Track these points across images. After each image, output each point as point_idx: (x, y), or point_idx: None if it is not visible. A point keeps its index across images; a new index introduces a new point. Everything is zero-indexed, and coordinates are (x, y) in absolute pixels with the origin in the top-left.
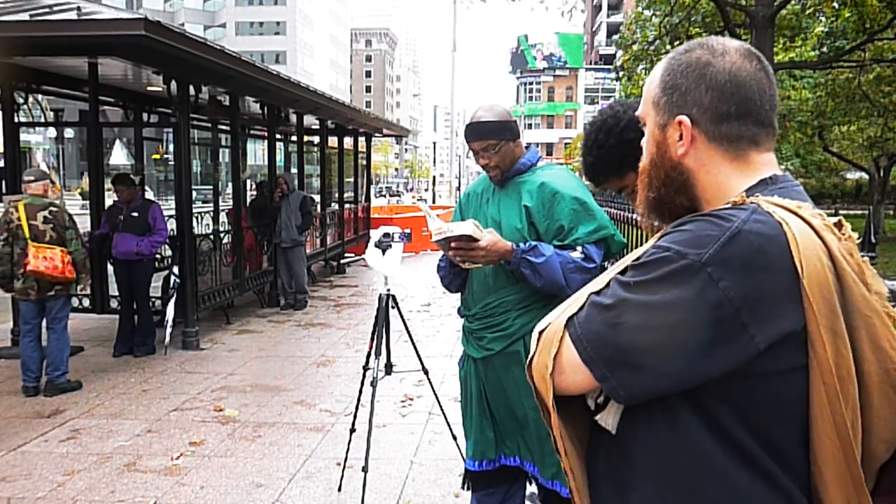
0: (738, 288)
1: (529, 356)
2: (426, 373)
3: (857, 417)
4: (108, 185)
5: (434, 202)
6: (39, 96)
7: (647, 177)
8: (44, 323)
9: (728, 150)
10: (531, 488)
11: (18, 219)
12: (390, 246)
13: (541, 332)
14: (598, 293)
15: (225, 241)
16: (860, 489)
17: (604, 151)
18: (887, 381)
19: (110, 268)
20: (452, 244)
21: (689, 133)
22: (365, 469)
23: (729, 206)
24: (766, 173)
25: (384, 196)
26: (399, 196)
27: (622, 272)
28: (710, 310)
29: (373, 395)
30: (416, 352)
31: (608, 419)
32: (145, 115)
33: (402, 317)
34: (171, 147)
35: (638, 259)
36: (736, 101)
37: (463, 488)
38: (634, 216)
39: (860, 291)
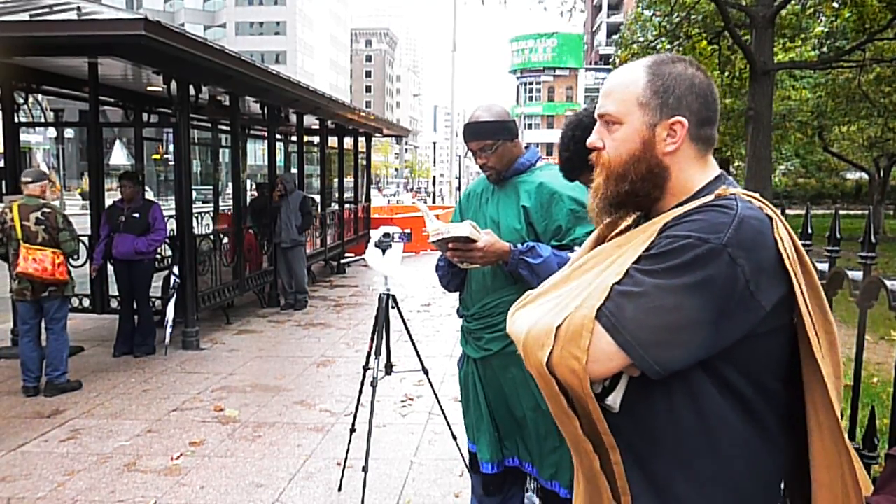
0: (749, 264)
1: (547, 352)
2: (426, 373)
3: (831, 366)
4: (108, 185)
5: (434, 202)
6: (39, 96)
7: (620, 170)
8: (43, 323)
9: (700, 150)
10: (529, 490)
11: (12, 219)
12: (390, 246)
13: (558, 328)
14: (619, 283)
15: (224, 240)
16: (845, 442)
17: (580, 147)
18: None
19: (110, 268)
20: (450, 245)
21: (684, 133)
22: (365, 469)
23: (713, 197)
24: (717, 171)
25: (421, 197)
26: (430, 194)
27: (637, 262)
28: (732, 284)
29: (373, 395)
30: (416, 352)
31: (616, 399)
32: (145, 115)
33: (402, 317)
34: (171, 147)
35: (648, 250)
36: (712, 109)
37: (486, 493)
38: None
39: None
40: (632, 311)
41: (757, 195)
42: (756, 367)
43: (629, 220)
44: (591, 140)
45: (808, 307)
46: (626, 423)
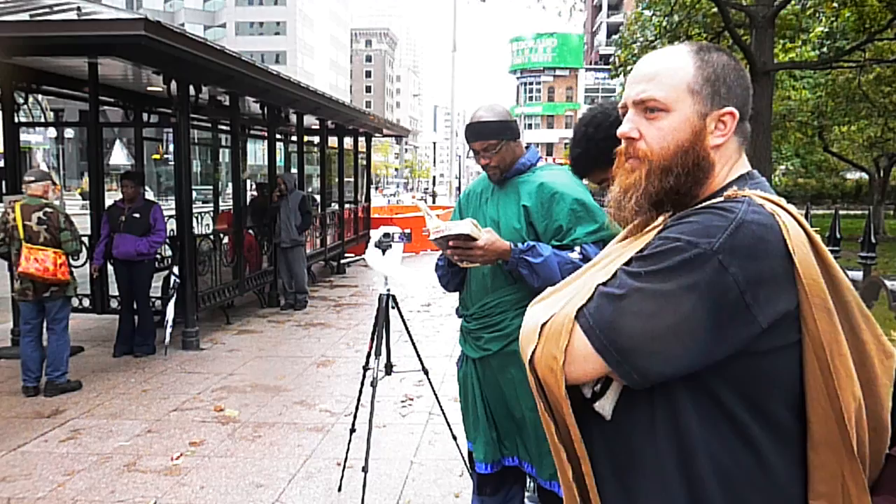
0: (744, 273)
1: (531, 349)
2: (426, 373)
3: (855, 385)
4: (108, 185)
5: (435, 202)
6: (39, 96)
7: (666, 163)
8: (44, 323)
9: (739, 145)
10: (530, 490)
11: (14, 219)
12: (390, 246)
13: (542, 325)
14: (605, 284)
15: (224, 240)
16: (851, 456)
17: (591, 144)
18: (879, 348)
19: (110, 268)
20: (450, 243)
21: (734, 125)
22: (365, 469)
23: (722, 199)
24: (745, 169)
25: (422, 198)
26: (432, 195)
27: (627, 263)
28: (721, 294)
29: (373, 396)
30: (416, 352)
31: (606, 405)
32: (145, 115)
33: (402, 317)
34: (171, 147)
35: (642, 251)
36: (750, 103)
37: (481, 493)
38: None
39: (842, 272)
40: (610, 313)
41: (782, 200)
42: (756, 391)
43: (658, 221)
44: (624, 129)
45: (822, 326)
46: (611, 432)
